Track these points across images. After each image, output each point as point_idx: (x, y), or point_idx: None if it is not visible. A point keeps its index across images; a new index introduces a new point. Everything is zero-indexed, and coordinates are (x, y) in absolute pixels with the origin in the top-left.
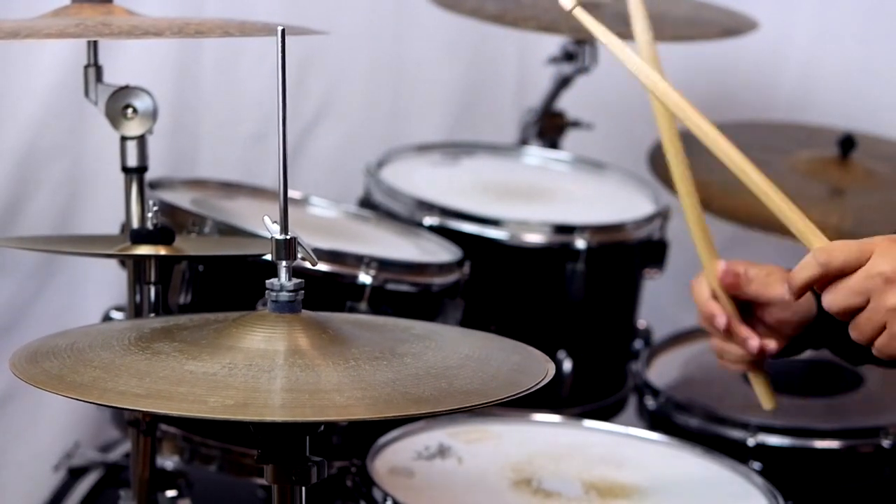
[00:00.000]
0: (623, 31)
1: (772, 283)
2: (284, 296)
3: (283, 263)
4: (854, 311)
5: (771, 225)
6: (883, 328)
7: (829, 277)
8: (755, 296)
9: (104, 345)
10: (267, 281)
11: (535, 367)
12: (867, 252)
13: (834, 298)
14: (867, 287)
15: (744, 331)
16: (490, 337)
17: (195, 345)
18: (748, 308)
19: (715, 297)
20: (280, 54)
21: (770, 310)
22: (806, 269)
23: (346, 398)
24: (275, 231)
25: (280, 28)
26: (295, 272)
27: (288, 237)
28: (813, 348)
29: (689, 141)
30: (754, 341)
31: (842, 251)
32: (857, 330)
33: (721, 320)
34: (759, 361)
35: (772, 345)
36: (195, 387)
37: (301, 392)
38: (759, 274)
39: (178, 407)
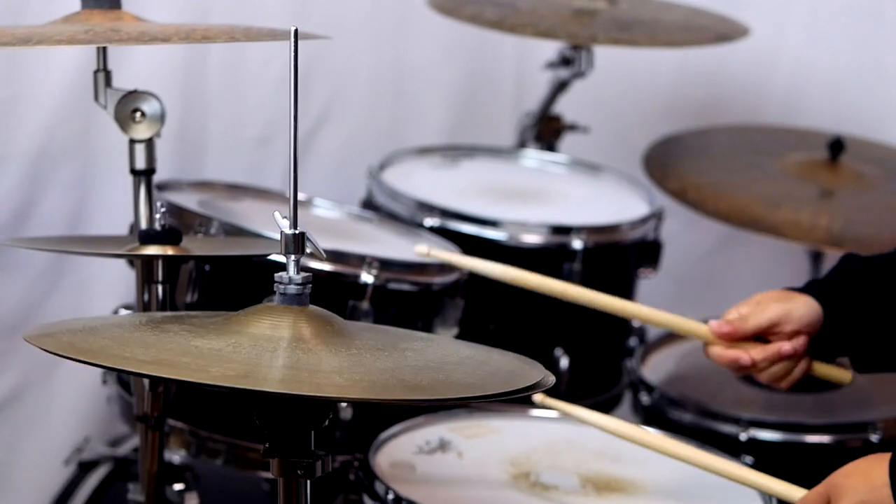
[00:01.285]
0: (618, 36)
1: (765, 308)
2: (293, 289)
3: (292, 257)
4: None
5: (761, 225)
6: None
7: None
8: (758, 328)
9: (117, 325)
10: (276, 274)
11: (534, 370)
12: (829, 495)
13: None
14: None
15: (772, 347)
16: (491, 350)
17: (203, 327)
18: (763, 340)
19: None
20: (293, 54)
21: (779, 328)
22: None
23: (345, 379)
24: (284, 226)
25: (293, 28)
26: (301, 268)
27: (297, 232)
28: (841, 354)
29: (684, 143)
30: (787, 346)
31: None
32: None
33: (745, 358)
34: (807, 361)
35: (800, 340)
36: (199, 359)
37: (301, 370)
38: (750, 308)
39: (181, 373)
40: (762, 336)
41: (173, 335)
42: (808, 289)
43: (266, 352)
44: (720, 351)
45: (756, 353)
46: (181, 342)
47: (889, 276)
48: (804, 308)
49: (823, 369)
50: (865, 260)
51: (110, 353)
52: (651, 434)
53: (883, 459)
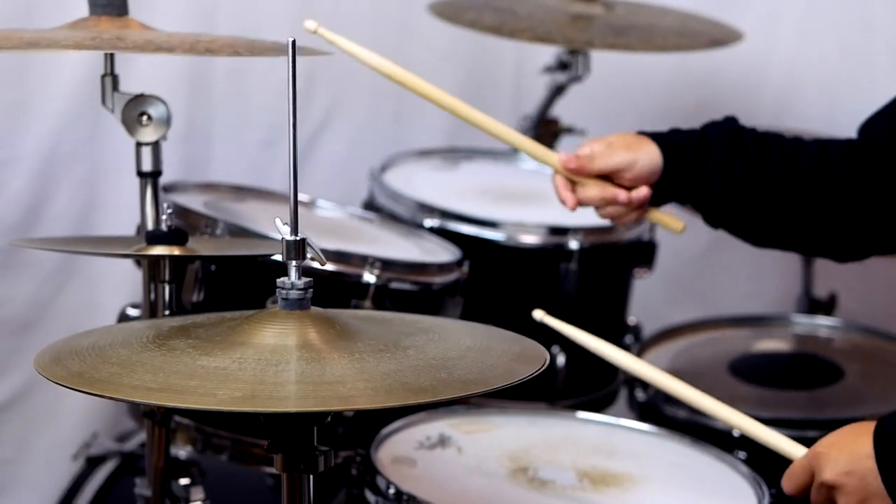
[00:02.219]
0: (614, 41)
1: (613, 153)
2: (294, 294)
3: (294, 263)
4: None
5: None
6: None
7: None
8: (602, 170)
9: (123, 343)
10: (278, 280)
11: (532, 358)
12: (812, 467)
13: None
14: (822, 496)
15: (610, 192)
16: (491, 329)
17: (209, 341)
18: (608, 178)
19: (572, 182)
20: (291, 65)
21: (622, 174)
22: (788, 488)
23: (349, 389)
24: (286, 232)
25: (291, 39)
26: (303, 271)
27: (298, 238)
28: (678, 201)
29: None
30: (622, 195)
31: (792, 479)
32: None
33: (570, 202)
34: (644, 207)
35: (643, 191)
36: (206, 380)
37: (306, 384)
38: (601, 149)
39: (187, 400)
40: (607, 176)
41: (180, 354)
42: (658, 137)
43: (270, 365)
44: (560, 183)
45: (593, 192)
46: (188, 362)
47: (751, 142)
48: (648, 158)
49: (658, 216)
50: (734, 124)
51: (119, 383)
52: None
53: (866, 429)
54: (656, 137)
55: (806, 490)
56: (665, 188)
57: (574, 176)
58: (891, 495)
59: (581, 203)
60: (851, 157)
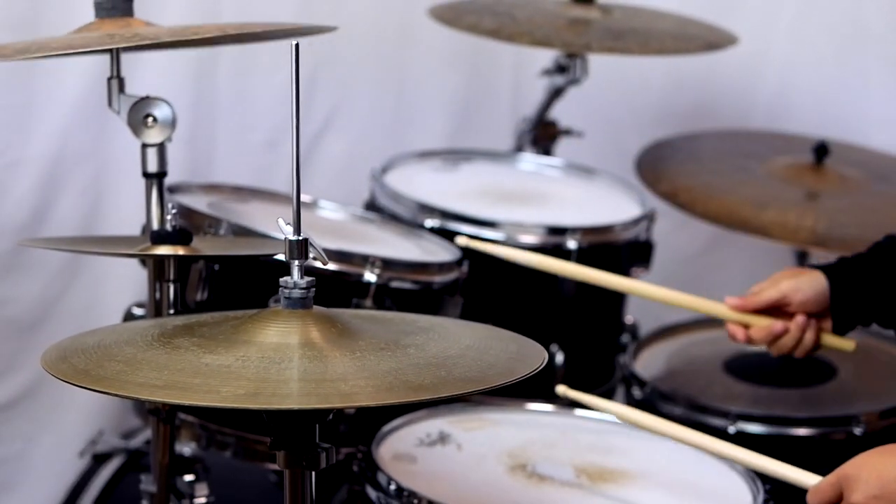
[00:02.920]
0: (612, 44)
1: (776, 283)
2: (297, 293)
3: (296, 262)
4: None
5: (749, 226)
6: None
7: None
8: (769, 302)
9: (129, 341)
10: (281, 279)
11: (531, 356)
12: (842, 487)
13: None
14: None
15: (767, 326)
16: (490, 328)
17: (213, 339)
18: (778, 313)
19: (745, 326)
20: (294, 67)
21: (790, 302)
22: None
23: (351, 386)
24: (288, 232)
25: (294, 42)
26: (305, 271)
27: (300, 238)
28: (861, 324)
29: (675, 147)
30: (778, 325)
31: (818, 495)
32: None
33: (740, 335)
34: (815, 332)
35: (799, 319)
36: (210, 378)
37: (308, 381)
38: (765, 284)
39: (191, 397)
40: (778, 308)
41: (184, 352)
42: (823, 265)
43: (273, 363)
44: (733, 329)
45: (754, 332)
46: (191, 360)
47: None
48: (810, 283)
49: (830, 340)
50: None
51: (125, 381)
52: (670, 424)
53: (892, 452)
54: (821, 266)
55: None
56: (842, 313)
57: (744, 317)
58: None
59: (752, 343)
60: None
